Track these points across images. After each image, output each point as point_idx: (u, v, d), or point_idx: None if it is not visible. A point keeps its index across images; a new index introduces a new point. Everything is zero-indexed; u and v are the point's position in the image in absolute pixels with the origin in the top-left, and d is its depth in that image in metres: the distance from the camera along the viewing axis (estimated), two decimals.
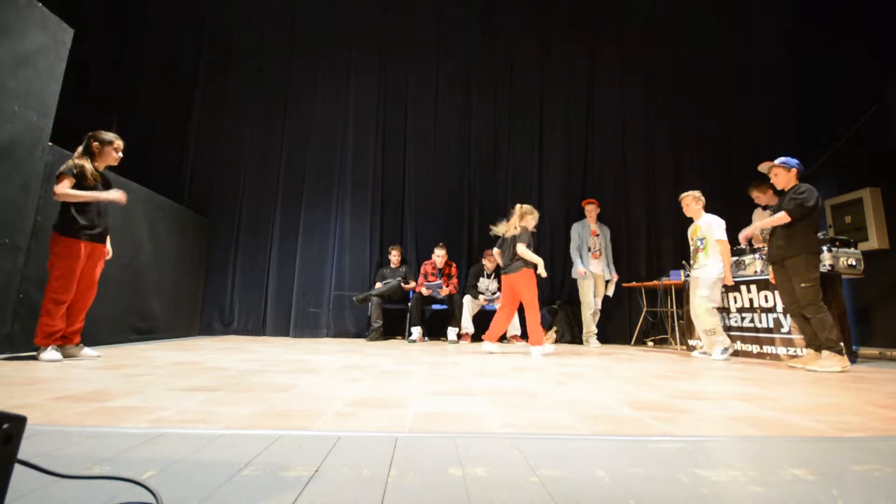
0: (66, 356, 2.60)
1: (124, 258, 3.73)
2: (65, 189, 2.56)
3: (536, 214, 3.91)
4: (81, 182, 2.63)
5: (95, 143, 2.74)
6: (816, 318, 2.95)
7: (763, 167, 3.30)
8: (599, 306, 5.20)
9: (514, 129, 6.04)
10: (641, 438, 1.16)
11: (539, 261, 3.72)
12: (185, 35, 5.87)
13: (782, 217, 3.07)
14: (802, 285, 2.99)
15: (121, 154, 2.84)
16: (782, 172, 3.21)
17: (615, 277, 5.25)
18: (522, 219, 3.84)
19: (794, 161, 3.21)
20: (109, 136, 2.79)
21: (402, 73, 6.04)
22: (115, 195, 2.72)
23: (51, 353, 2.50)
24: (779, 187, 3.29)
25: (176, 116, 5.71)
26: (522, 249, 3.70)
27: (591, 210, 5.32)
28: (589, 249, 5.24)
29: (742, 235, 3.39)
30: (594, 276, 5.21)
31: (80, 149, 2.72)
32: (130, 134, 3.93)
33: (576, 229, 5.32)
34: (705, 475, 0.89)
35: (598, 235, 5.26)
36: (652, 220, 5.89)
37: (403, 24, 6.09)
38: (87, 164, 2.67)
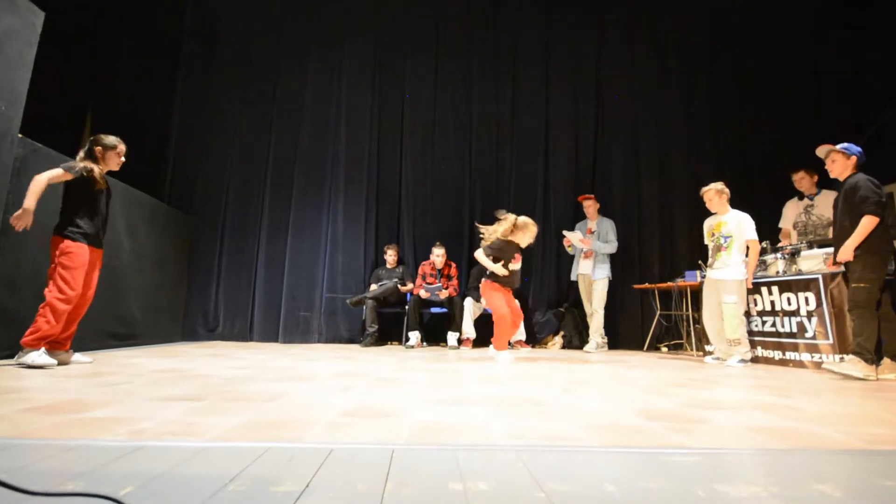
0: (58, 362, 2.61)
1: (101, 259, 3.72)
2: (47, 177, 2.55)
3: (532, 233, 3.75)
4: (91, 186, 2.74)
5: (98, 148, 2.84)
6: (858, 321, 2.94)
7: (821, 151, 3.23)
8: (588, 310, 5.19)
9: (517, 122, 6.03)
10: (654, 451, 1.16)
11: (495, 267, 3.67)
12: (166, 20, 5.85)
13: (870, 221, 2.89)
14: (853, 285, 2.99)
15: (123, 159, 2.94)
16: (840, 159, 3.13)
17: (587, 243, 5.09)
18: (513, 233, 3.74)
19: (857, 148, 3.11)
20: (112, 140, 2.89)
21: (399, 63, 6.03)
22: (27, 204, 2.48)
23: (43, 357, 2.49)
24: (833, 175, 3.21)
25: (156, 107, 5.68)
26: (479, 254, 3.72)
27: (588, 206, 5.33)
28: (581, 250, 5.24)
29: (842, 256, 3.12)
30: (581, 277, 5.23)
31: (81, 153, 2.81)
32: (107, 126, 3.89)
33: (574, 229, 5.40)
34: (724, 490, 0.89)
35: (592, 233, 5.24)
36: (666, 219, 5.88)
37: (401, 12, 6.08)
38: (96, 168, 2.77)
